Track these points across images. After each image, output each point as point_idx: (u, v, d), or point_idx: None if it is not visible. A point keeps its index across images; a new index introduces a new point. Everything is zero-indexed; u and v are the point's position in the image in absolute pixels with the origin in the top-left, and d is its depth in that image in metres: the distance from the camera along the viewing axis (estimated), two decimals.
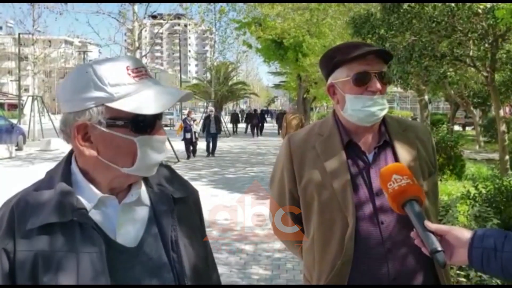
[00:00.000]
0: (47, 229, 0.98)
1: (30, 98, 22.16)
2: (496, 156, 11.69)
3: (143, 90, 1.03)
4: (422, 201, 1.24)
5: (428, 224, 1.16)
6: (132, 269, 1.04)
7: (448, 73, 8.66)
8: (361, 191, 1.52)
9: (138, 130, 1.03)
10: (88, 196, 1.04)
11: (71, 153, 1.11)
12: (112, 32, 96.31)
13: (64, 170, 1.07)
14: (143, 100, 1.01)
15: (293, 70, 24.89)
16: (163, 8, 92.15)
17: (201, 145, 16.15)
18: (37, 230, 0.98)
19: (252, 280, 4.64)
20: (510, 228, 3.90)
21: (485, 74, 8.01)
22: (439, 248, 1.13)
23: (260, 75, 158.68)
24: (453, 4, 6.95)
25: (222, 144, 20.15)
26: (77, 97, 1.01)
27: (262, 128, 29.74)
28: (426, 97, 14.40)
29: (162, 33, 24.10)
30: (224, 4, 21.44)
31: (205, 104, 31.14)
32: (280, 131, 23.50)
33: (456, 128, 26.42)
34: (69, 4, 15.81)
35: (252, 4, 17.96)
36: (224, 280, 4.55)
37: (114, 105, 1.00)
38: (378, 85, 1.50)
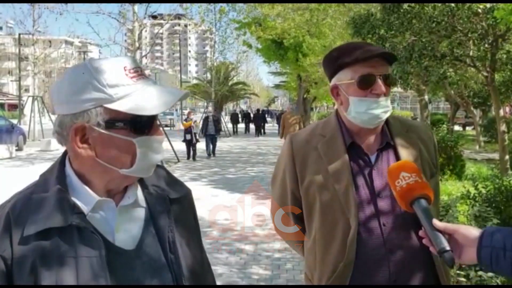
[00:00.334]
0: (45, 234, 0.96)
1: (30, 99, 22.18)
2: (496, 156, 11.69)
3: (142, 90, 1.01)
4: (431, 198, 1.22)
5: (436, 222, 1.15)
6: (131, 271, 1.04)
7: (448, 73, 8.65)
8: (363, 193, 1.52)
9: (137, 131, 1.01)
10: (85, 199, 1.03)
11: (65, 154, 1.08)
12: (112, 32, 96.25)
13: (59, 172, 1.05)
14: (142, 101, 1.00)
15: (293, 70, 24.85)
16: (163, 8, 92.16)
17: (201, 145, 16.14)
18: (35, 236, 0.95)
19: (252, 280, 4.63)
20: None
21: (485, 74, 8.01)
22: (448, 248, 1.12)
23: (260, 75, 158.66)
24: (453, 4, 6.95)
25: (222, 144, 20.14)
26: (74, 98, 0.99)
27: (263, 128, 29.92)
28: (426, 97, 14.42)
29: (162, 33, 24.05)
30: (224, 4, 21.51)
31: (205, 104, 31.11)
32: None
33: (456, 128, 26.42)
34: (69, 4, 15.78)
35: (252, 4, 17.96)
36: (224, 280, 4.56)
37: (113, 106, 0.98)
38: (383, 88, 1.49)
